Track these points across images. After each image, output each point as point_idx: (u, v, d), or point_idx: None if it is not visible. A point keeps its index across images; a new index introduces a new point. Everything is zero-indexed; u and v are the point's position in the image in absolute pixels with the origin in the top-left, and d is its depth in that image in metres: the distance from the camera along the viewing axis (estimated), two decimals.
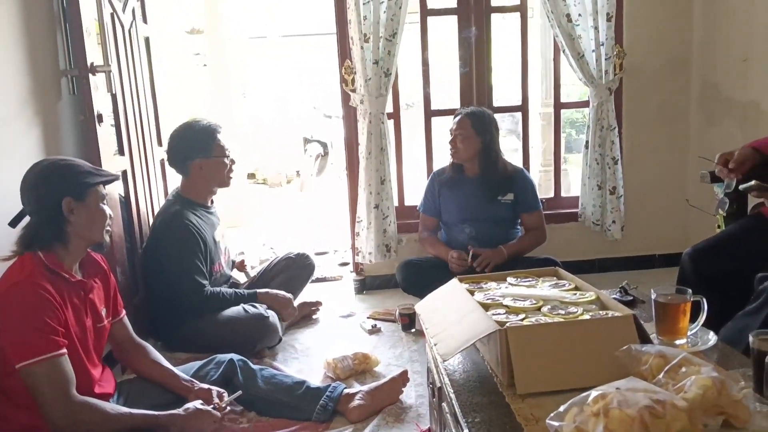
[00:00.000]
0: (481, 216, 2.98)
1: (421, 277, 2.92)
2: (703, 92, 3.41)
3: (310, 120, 8.24)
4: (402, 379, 2.26)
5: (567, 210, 3.58)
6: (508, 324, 1.33)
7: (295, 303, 3.03)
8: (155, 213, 2.95)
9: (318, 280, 3.80)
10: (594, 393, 1.06)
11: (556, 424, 1.06)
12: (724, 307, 1.91)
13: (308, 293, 3.23)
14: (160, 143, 3.21)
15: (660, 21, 3.39)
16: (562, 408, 1.08)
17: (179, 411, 1.84)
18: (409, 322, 2.88)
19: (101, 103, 2.51)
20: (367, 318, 3.05)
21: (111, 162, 2.55)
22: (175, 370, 2.06)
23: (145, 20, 3.19)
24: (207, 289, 2.60)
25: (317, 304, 3.19)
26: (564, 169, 5.26)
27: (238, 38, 11.24)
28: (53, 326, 1.62)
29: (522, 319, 1.39)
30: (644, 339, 1.32)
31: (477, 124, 2.91)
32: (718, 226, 2.31)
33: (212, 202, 2.84)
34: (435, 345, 1.38)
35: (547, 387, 1.25)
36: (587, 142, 3.39)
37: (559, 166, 3.69)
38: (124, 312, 2.03)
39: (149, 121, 3.06)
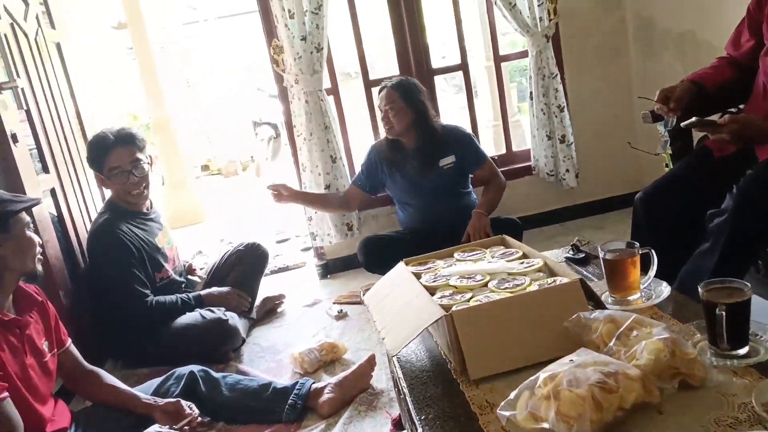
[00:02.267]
0: (428, 189, 2.92)
1: (383, 254, 2.85)
2: (638, 28, 3.36)
3: (256, 102, 8.02)
4: (370, 364, 2.20)
5: (521, 164, 3.53)
6: (454, 307, 1.27)
7: (258, 297, 2.96)
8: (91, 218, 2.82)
9: (281, 269, 3.73)
10: (542, 374, 1.01)
11: (507, 413, 1.00)
12: (680, 249, 1.89)
13: (271, 285, 3.15)
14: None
15: None
16: (512, 395, 1.02)
17: None
18: None
19: (14, 121, 2.36)
20: (333, 303, 2.99)
21: (34, 182, 2.41)
22: (134, 391, 1.97)
23: (52, 25, 3.01)
24: (149, 299, 2.49)
25: (280, 297, 3.10)
26: (516, 120, 5.22)
27: (171, 26, 10.88)
28: None
29: (469, 299, 1.33)
30: (595, 302, 1.27)
31: (405, 94, 2.82)
32: (666, 165, 2.27)
33: (151, 205, 2.71)
34: (383, 339, 1.32)
35: (500, 368, 1.20)
36: (531, 92, 3.33)
37: (506, 121, 3.63)
38: (69, 341, 1.93)
39: (73, 131, 2.90)
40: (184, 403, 1.92)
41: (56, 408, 1.81)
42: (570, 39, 3.37)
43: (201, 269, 3.04)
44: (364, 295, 2.78)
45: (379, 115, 2.95)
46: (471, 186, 3.08)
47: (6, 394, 1.54)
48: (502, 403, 1.03)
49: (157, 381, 2.09)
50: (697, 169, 2.03)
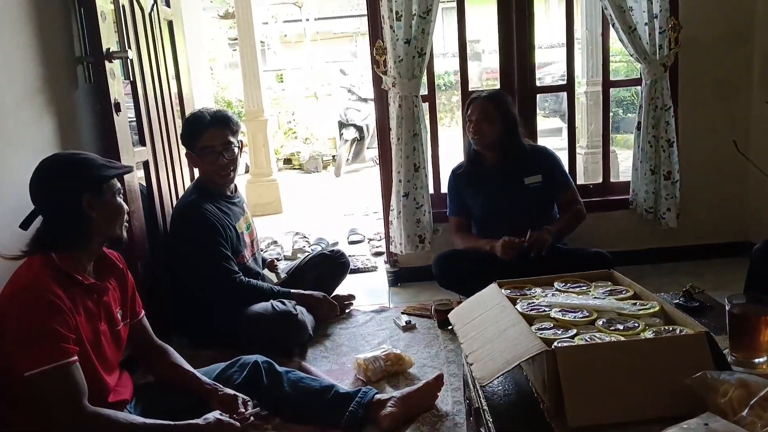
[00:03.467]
0: (511, 206, 2.79)
1: (459, 272, 2.77)
2: (766, 66, 3.10)
3: (345, 103, 8.06)
4: (437, 383, 2.09)
5: (617, 197, 3.33)
6: (556, 343, 1.14)
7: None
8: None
9: (352, 271, 3.66)
10: None
11: None
12: None
13: (341, 285, 3.09)
14: None
15: None
16: None
17: (198, 421, 1.72)
18: (445, 318, 2.69)
19: (119, 91, 2.40)
20: (402, 313, 2.89)
21: (130, 153, 2.44)
22: (197, 373, 1.94)
23: (167, 3, 3.07)
24: (239, 276, 2.51)
25: (350, 297, 3.04)
26: (612, 151, 4.97)
27: (272, 23, 11.17)
28: (62, 333, 1.52)
29: (573, 336, 1.20)
30: (719, 361, 1.12)
31: (499, 107, 2.74)
32: None
33: (236, 189, 2.71)
34: (471, 365, 1.21)
35: (604, 419, 1.07)
36: (639, 123, 3.13)
37: (608, 149, 3.43)
38: (143, 313, 1.92)
39: (173, 109, 2.94)
40: (241, 399, 1.87)
41: (121, 378, 1.80)
42: (689, 71, 3.15)
43: (279, 261, 3.03)
44: (434, 310, 2.71)
45: (466, 126, 2.85)
46: (556, 210, 2.93)
47: (75, 357, 1.53)
48: None
49: (221, 366, 2.06)
50: None
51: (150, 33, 2.74)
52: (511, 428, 1.11)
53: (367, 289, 3.32)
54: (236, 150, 2.61)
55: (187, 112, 3.06)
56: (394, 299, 3.17)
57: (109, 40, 2.33)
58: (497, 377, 1.12)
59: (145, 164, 2.63)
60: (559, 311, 1.30)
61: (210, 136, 2.54)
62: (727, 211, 3.30)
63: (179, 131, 2.94)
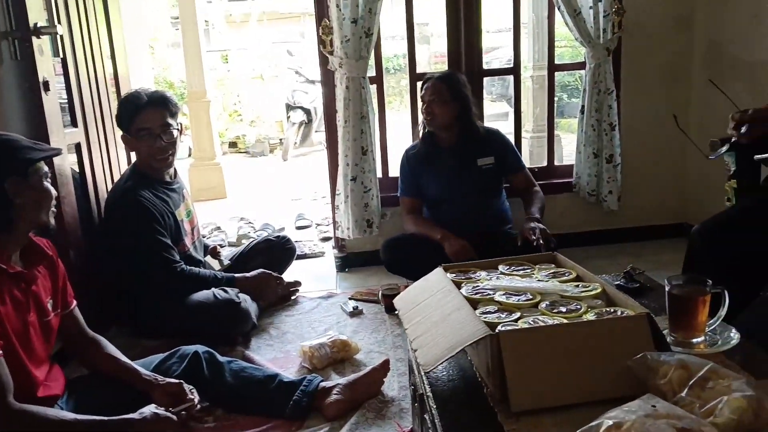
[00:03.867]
0: (464, 188, 2.79)
1: (408, 257, 2.75)
2: (708, 52, 3.18)
3: (293, 85, 7.90)
4: (383, 369, 2.07)
5: (561, 180, 3.37)
6: (500, 327, 1.13)
7: None
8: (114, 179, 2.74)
9: (299, 257, 3.60)
10: (606, 422, 0.87)
11: None
12: (741, 292, 1.73)
13: (287, 271, 3.03)
14: None
15: None
16: None
17: (134, 415, 1.64)
18: (392, 303, 2.67)
19: (48, 68, 2.26)
20: (349, 299, 2.86)
21: (61, 134, 2.31)
22: (134, 364, 1.86)
23: None
24: (179, 265, 2.41)
25: (296, 284, 2.98)
26: (555, 135, 5.04)
27: (216, 1, 10.83)
28: None
29: (516, 319, 1.19)
30: (659, 341, 1.13)
31: (452, 88, 2.72)
32: (728, 199, 2.11)
33: (175, 174, 2.61)
34: (415, 351, 1.18)
35: (547, 402, 1.06)
36: (583, 107, 3.17)
37: (552, 133, 3.47)
38: (74, 303, 1.82)
39: (108, 89, 2.80)
40: (186, 386, 1.80)
41: (51, 372, 1.71)
42: (632, 55, 3.19)
43: (224, 252, 2.94)
44: (381, 295, 2.69)
45: (419, 107, 2.83)
46: (505, 195, 2.94)
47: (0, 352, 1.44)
48: None
49: (159, 357, 1.99)
50: (765, 209, 1.87)
51: (83, 8, 2.59)
52: (455, 415, 1.09)
53: (315, 275, 3.27)
54: (175, 132, 2.50)
55: (124, 93, 2.93)
56: (342, 285, 3.13)
57: (37, 15, 2.19)
58: (441, 363, 1.10)
59: (77, 146, 2.50)
60: (503, 294, 1.29)
61: (147, 118, 2.43)
62: (667, 194, 3.39)
63: (114, 111, 2.82)
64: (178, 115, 2.56)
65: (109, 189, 2.67)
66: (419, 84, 3.03)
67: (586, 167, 3.22)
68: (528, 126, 4.76)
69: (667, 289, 1.26)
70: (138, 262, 2.39)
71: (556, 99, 6.03)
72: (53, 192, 1.65)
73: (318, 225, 4.24)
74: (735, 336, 1.26)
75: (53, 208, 1.67)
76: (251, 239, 3.32)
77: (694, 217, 3.14)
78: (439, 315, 1.24)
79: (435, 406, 1.12)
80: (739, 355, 1.22)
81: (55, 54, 2.41)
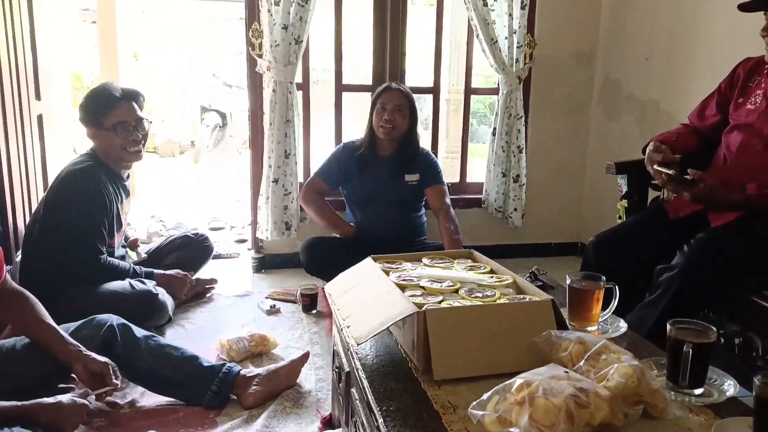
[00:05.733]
0: (388, 198, 2.93)
1: (327, 258, 2.84)
2: (605, 87, 3.52)
3: (209, 88, 7.81)
4: (302, 361, 2.14)
5: (471, 195, 3.59)
6: (426, 306, 1.25)
7: None
8: (29, 172, 2.64)
9: (214, 257, 3.59)
10: (518, 380, 1.01)
11: (479, 413, 0.99)
12: (625, 298, 1.96)
13: (203, 271, 3.03)
14: (38, 97, 2.87)
15: (570, 14, 3.46)
16: (485, 396, 1.02)
17: (49, 400, 1.58)
18: (310, 303, 2.77)
19: None
20: (266, 298, 2.90)
21: None
22: (61, 330, 1.77)
23: None
24: (104, 257, 2.39)
25: (212, 282, 2.99)
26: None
27: None
28: None
29: (440, 302, 1.32)
30: (561, 324, 1.29)
31: (410, 102, 2.89)
32: (619, 217, 2.37)
33: (128, 177, 2.59)
34: (348, 327, 1.28)
35: (465, 373, 1.19)
36: (495, 129, 3.41)
37: (466, 152, 3.68)
38: (4, 271, 1.72)
39: (26, 69, 2.72)
40: (111, 366, 1.76)
41: None
42: (540, 84, 3.49)
43: (143, 243, 2.91)
44: (300, 294, 2.76)
45: (374, 112, 2.89)
46: (424, 209, 3.11)
47: None
48: (474, 403, 1.02)
49: (73, 325, 1.90)
50: (651, 225, 2.13)
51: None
52: (383, 385, 1.19)
53: (230, 275, 3.27)
54: (147, 125, 2.52)
55: (43, 88, 2.87)
56: (258, 285, 3.17)
57: None
58: (373, 336, 1.21)
59: None
60: (428, 281, 1.42)
61: (122, 112, 2.44)
62: (565, 214, 3.70)
63: (32, 97, 2.75)
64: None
65: (23, 171, 2.59)
66: (345, 95, 3.16)
67: (494, 185, 3.46)
68: (443, 147, 5.00)
69: (567, 282, 1.43)
70: (67, 241, 2.32)
71: (459, 120, 6.34)
72: None
73: (232, 227, 4.24)
74: (623, 326, 1.46)
75: None
76: (163, 237, 3.28)
77: (587, 236, 3.43)
78: (369, 296, 1.35)
79: (365, 376, 1.22)
80: (625, 341, 1.42)
81: None
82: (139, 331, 1.98)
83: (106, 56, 5.24)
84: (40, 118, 2.87)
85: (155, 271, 2.61)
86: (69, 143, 5.22)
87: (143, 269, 2.57)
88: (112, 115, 2.42)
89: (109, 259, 2.43)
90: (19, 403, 1.54)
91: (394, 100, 2.85)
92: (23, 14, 2.73)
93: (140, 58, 9.88)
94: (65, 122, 4.43)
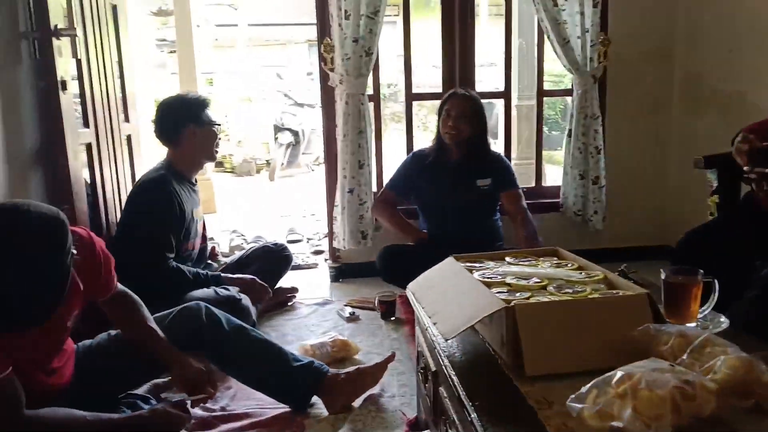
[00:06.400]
0: (460, 204, 2.92)
1: (404, 265, 2.82)
2: (686, 83, 3.39)
3: (281, 108, 8.04)
4: (387, 362, 2.13)
5: (548, 200, 3.52)
6: (514, 302, 1.23)
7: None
8: (120, 189, 2.79)
9: (293, 267, 3.67)
10: (619, 373, 0.97)
11: (578, 406, 0.96)
12: (721, 296, 1.86)
13: (283, 280, 3.10)
14: (127, 119, 3.04)
15: (645, 9, 3.35)
16: (583, 389, 0.99)
17: (143, 412, 1.66)
18: (388, 309, 2.78)
19: (65, 69, 2.34)
20: (345, 305, 2.94)
21: (75, 134, 2.38)
22: (161, 334, 1.80)
23: None
24: (171, 263, 2.43)
25: (293, 290, 3.06)
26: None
27: (205, 24, 10.99)
28: None
29: (527, 298, 1.29)
30: (659, 320, 1.24)
31: (476, 108, 2.88)
32: (711, 214, 2.26)
33: (196, 181, 2.70)
34: (434, 324, 1.28)
35: (558, 369, 1.16)
36: (570, 130, 3.33)
37: (541, 155, 3.63)
38: (115, 280, 1.78)
39: (116, 94, 2.88)
40: (206, 373, 1.80)
41: (62, 360, 1.67)
42: (616, 83, 3.39)
43: (225, 256, 3.00)
44: (378, 301, 2.77)
45: (440, 120, 2.93)
46: (499, 214, 3.08)
47: (9, 371, 1.40)
48: (572, 397, 0.99)
49: (163, 315, 1.95)
50: (744, 218, 2.02)
51: (96, 13, 2.68)
52: (473, 382, 1.18)
53: (309, 285, 3.34)
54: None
55: (129, 103, 3.03)
56: (336, 293, 3.21)
57: (57, 17, 2.28)
58: (462, 331, 1.20)
59: (88, 147, 2.57)
60: (514, 278, 1.40)
61: (212, 114, 2.61)
62: (648, 216, 3.56)
63: (121, 117, 2.90)
64: None
65: (114, 190, 2.74)
66: (416, 104, 3.17)
67: (572, 188, 3.37)
68: (514, 154, 4.93)
69: (662, 277, 1.37)
70: (141, 251, 2.37)
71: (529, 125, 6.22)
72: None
73: (309, 239, 4.32)
74: (725, 321, 1.38)
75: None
76: (243, 250, 3.38)
77: (673, 239, 3.29)
78: (454, 294, 1.34)
79: (454, 374, 1.21)
80: (727, 337, 1.34)
81: (72, 55, 2.49)
82: (228, 321, 1.98)
83: (185, 82, 5.52)
84: (129, 138, 3.03)
85: (223, 275, 2.63)
86: (153, 162, 5.49)
87: (210, 273, 2.58)
88: (207, 115, 2.57)
89: (176, 265, 2.45)
90: (116, 417, 1.60)
91: (458, 107, 2.85)
92: (113, 47, 2.90)
93: (215, 83, 10.32)
94: (149, 143, 4.67)
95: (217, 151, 2.65)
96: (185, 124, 2.53)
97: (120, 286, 1.81)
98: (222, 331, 1.94)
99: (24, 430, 1.44)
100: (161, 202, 2.43)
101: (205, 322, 1.93)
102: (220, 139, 2.66)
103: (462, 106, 2.85)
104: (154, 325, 1.82)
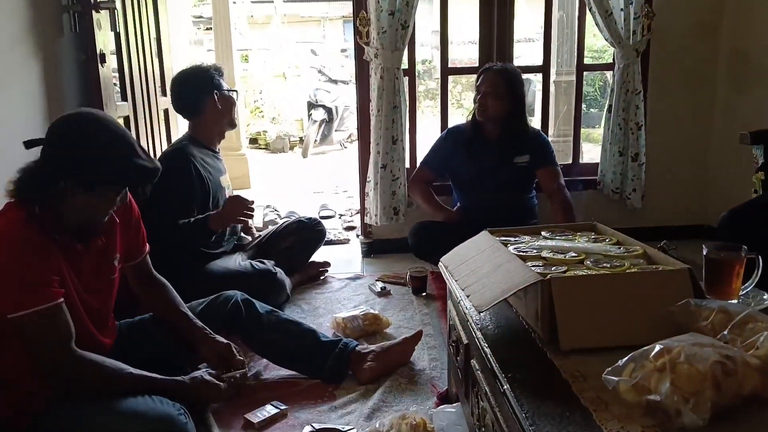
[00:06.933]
0: (497, 183, 2.87)
1: (436, 241, 2.82)
2: (732, 59, 3.26)
3: (315, 84, 8.02)
4: (416, 338, 2.15)
5: (585, 177, 3.45)
6: (550, 275, 1.21)
7: None
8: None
9: (325, 243, 3.69)
10: (658, 346, 0.95)
11: (614, 378, 0.95)
12: (764, 275, 1.80)
13: (316, 255, 3.12)
14: (165, 93, 3.07)
15: None
16: (620, 362, 0.97)
17: (185, 379, 1.70)
18: (420, 285, 2.78)
19: (105, 41, 2.37)
20: (376, 281, 2.94)
21: (113, 107, 2.42)
22: (192, 316, 1.88)
23: None
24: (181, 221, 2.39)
25: (325, 265, 3.08)
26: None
27: (241, 1, 11.02)
28: (45, 274, 1.44)
29: (564, 272, 1.27)
30: (700, 295, 1.20)
31: (509, 83, 2.80)
32: (755, 191, 2.18)
33: (219, 149, 2.71)
34: (468, 296, 1.27)
35: (594, 343, 1.14)
36: (610, 106, 3.25)
37: (579, 131, 3.55)
38: (147, 248, 1.84)
39: (154, 68, 2.91)
40: (234, 348, 1.85)
41: (108, 325, 1.74)
42: (660, 58, 3.28)
43: (258, 229, 3.02)
44: (409, 276, 2.77)
45: (469, 96, 2.91)
46: (535, 191, 3.03)
47: (60, 300, 1.46)
48: (608, 369, 0.97)
49: (202, 302, 2.03)
50: None
51: None
52: (506, 354, 1.17)
53: (341, 260, 3.35)
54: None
55: (168, 75, 3.05)
56: (368, 269, 3.22)
57: None
58: (496, 303, 1.18)
59: (126, 120, 2.61)
60: (550, 252, 1.37)
61: (225, 81, 2.61)
62: (689, 195, 3.46)
63: (158, 91, 2.93)
64: None
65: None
66: (451, 78, 3.13)
67: (611, 165, 3.30)
68: (551, 131, 4.84)
69: (704, 253, 1.33)
70: (162, 221, 2.32)
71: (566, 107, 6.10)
72: (113, 209, 1.58)
73: (341, 216, 4.34)
74: None
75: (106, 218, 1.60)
76: (278, 224, 3.40)
77: (713, 219, 3.21)
78: (489, 267, 1.32)
79: (487, 346, 1.20)
80: None
81: (111, 28, 2.52)
82: (261, 307, 2.07)
83: (221, 59, 5.56)
84: (166, 111, 3.07)
85: (210, 213, 2.48)
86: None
87: (196, 218, 2.44)
88: (224, 82, 2.57)
89: (182, 221, 2.39)
90: (159, 378, 1.63)
91: (489, 83, 2.79)
92: (151, 22, 2.92)
93: (250, 60, 10.36)
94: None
95: (236, 118, 2.65)
96: (206, 94, 2.52)
97: (153, 270, 1.87)
98: (260, 325, 2.01)
99: (70, 364, 1.47)
100: (180, 174, 2.39)
101: (243, 316, 1.99)
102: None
103: (494, 81, 2.79)
104: (184, 309, 1.88)
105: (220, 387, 1.73)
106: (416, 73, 3.39)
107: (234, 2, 10.73)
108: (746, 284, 1.34)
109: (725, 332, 1.04)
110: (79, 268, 1.58)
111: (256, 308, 2.05)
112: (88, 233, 1.57)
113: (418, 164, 3.43)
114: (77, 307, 1.57)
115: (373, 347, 2.11)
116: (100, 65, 2.32)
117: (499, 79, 2.79)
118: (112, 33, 2.51)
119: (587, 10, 3.16)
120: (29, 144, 1.50)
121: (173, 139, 3.17)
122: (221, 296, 2.05)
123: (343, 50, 10.65)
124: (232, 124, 2.66)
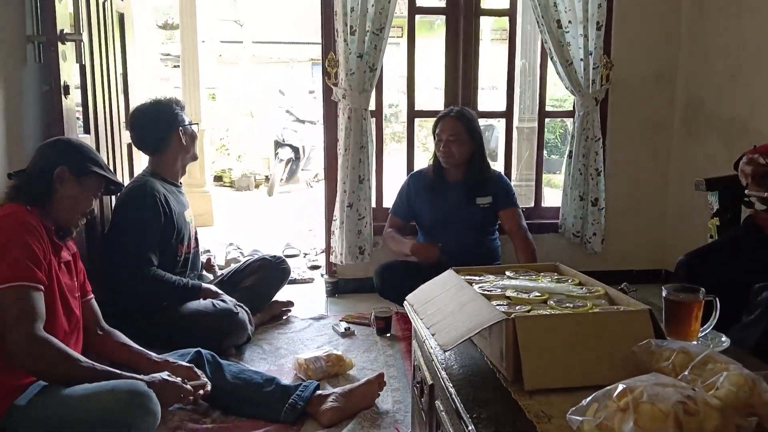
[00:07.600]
0: (460, 224, 2.90)
1: (401, 282, 2.80)
2: (687, 108, 3.40)
3: (283, 123, 8.05)
4: (378, 381, 2.12)
5: (547, 220, 3.51)
6: (514, 314, 1.21)
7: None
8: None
9: (289, 282, 3.64)
10: (621, 386, 0.95)
11: (578, 419, 0.94)
12: (720, 317, 1.84)
13: (279, 294, 3.07)
14: (129, 127, 3.03)
15: (647, 34, 3.38)
16: (584, 402, 0.97)
17: (144, 378, 1.67)
18: (384, 326, 2.75)
19: (69, 73, 2.34)
20: (340, 321, 2.91)
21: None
22: (146, 351, 1.91)
23: None
24: (153, 268, 2.38)
25: (288, 304, 3.04)
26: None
27: (210, 40, 11.08)
28: (35, 255, 1.56)
29: (528, 311, 1.27)
30: (660, 336, 1.22)
31: (469, 126, 2.85)
32: (711, 236, 2.25)
33: (181, 183, 2.68)
34: (433, 335, 1.26)
35: (557, 383, 1.14)
36: (571, 152, 3.34)
37: (541, 175, 3.63)
38: (92, 295, 1.91)
39: (119, 102, 2.88)
40: (197, 370, 1.87)
41: (75, 340, 1.76)
42: (618, 106, 3.40)
43: (220, 267, 2.98)
44: (374, 317, 2.74)
45: (434, 144, 2.93)
46: (498, 232, 3.07)
47: (41, 286, 1.55)
48: (572, 409, 0.97)
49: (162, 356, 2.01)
50: (744, 242, 2.02)
51: (102, 21, 2.69)
52: (471, 395, 1.16)
53: (305, 299, 3.31)
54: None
55: (133, 107, 3.02)
56: (332, 309, 3.18)
57: (63, 22, 2.29)
58: (461, 342, 1.17)
59: None
60: (514, 291, 1.38)
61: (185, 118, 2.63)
62: (647, 239, 3.55)
63: (122, 125, 2.89)
64: None
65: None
66: (417, 121, 3.17)
67: (572, 209, 3.37)
68: (514, 175, 4.93)
69: (664, 294, 1.36)
70: (126, 255, 2.36)
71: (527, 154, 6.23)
72: (92, 205, 1.79)
73: (306, 254, 4.30)
74: (726, 341, 1.37)
75: (84, 218, 1.80)
76: (240, 262, 3.35)
77: (672, 262, 3.29)
78: (454, 305, 1.32)
79: (452, 386, 1.19)
80: (729, 356, 1.32)
81: (76, 60, 2.49)
82: (221, 359, 2.07)
83: (188, 97, 5.56)
84: (129, 146, 3.01)
85: (203, 284, 2.58)
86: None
87: (192, 282, 2.51)
88: (185, 116, 2.58)
89: (158, 270, 2.39)
90: (119, 372, 1.66)
91: (448, 130, 2.84)
92: (117, 56, 2.90)
93: (217, 98, 10.37)
94: None
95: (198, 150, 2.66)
96: (171, 131, 2.53)
97: (100, 318, 1.94)
98: (224, 380, 1.99)
99: (33, 343, 1.50)
100: (146, 208, 2.40)
101: (208, 374, 1.96)
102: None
103: (454, 127, 2.83)
104: (134, 346, 1.93)
105: (180, 386, 1.72)
106: (383, 116, 3.43)
107: (203, 41, 10.80)
108: (705, 326, 1.37)
109: (686, 372, 1.05)
110: (62, 269, 1.70)
111: (217, 359, 2.05)
112: (66, 233, 1.73)
113: (384, 203, 3.46)
114: (56, 304, 1.64)
115: (335, 390, 2.07)
116: (63, 97, 2.27)
117: (458, 124, 2.83)
118: (77, 65, 2.48)
119: (549, 60, 3.27)
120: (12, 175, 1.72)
121: (135, 174, 3.12)
122: (178, 352, 2.04)
123: (311, 91, 10.75)
124: (194, 157, 2.66)
